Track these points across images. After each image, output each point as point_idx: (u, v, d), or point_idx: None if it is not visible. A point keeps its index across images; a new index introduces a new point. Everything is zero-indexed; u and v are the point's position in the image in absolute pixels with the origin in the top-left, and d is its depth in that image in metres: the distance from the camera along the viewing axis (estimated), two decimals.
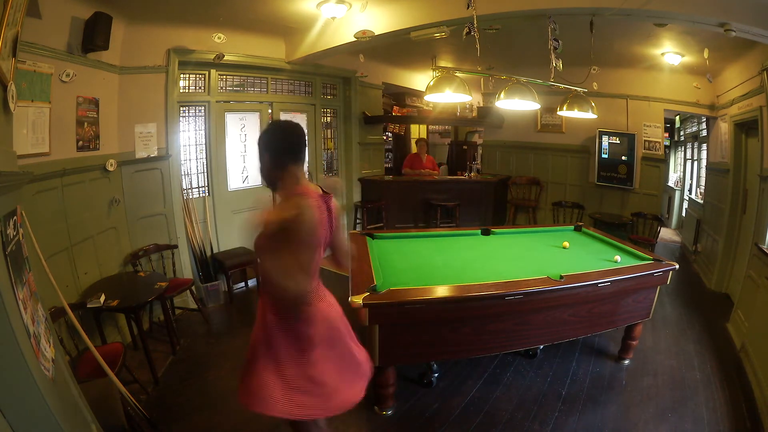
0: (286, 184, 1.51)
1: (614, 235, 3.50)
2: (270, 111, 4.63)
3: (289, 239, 1.38)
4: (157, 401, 2.51)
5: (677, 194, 7.31)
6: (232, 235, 4.35)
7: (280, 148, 1.50)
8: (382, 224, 5.70)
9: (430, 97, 3.11)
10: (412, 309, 2.14)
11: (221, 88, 4.20)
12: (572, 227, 3.82)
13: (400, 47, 4.56)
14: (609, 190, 5.69)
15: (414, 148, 7.02)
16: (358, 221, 5.55)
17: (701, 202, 5.43)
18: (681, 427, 2.29)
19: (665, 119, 5.45)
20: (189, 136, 4.06)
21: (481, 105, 6.79)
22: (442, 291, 2.24)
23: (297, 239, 1.39)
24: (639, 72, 5.11)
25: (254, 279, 4.31)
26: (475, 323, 2.34)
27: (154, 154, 3.51)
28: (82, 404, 1.54)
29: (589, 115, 3.63)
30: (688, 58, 4.14)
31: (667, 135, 6.82)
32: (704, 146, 5.67)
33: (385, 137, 7.08)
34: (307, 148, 1.59)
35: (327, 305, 1.58)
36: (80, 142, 2.83)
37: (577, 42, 3.36)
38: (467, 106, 6.56)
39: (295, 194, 1.47)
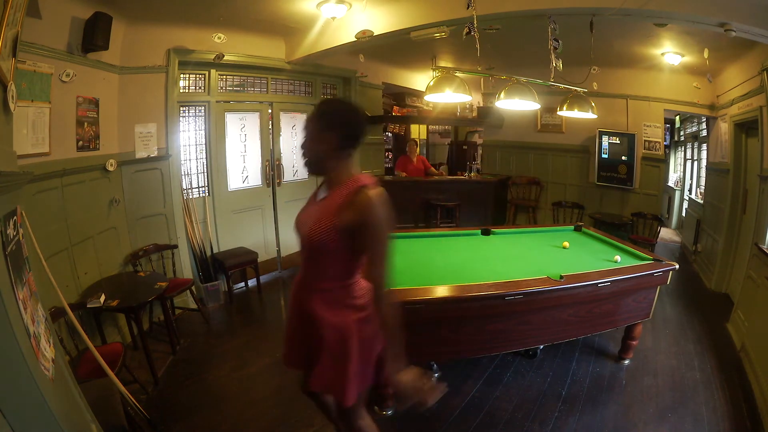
0: (342, 171, 1.43)
1: (614, 235, 3.50)
2: (270, 111, 4.63)
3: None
4: (157, 401, 2.50)
5: (677, 194, 7.31)
6: (232, 235, 4.35)
7: (354, 130, 1.41)
8: None
9: (430, 97, 3.11)
10: (411, 309, 2.13)
11: (221, 88, 4.19)
12: (572, 227, 3.81)
13: (400, 47, 4.55)
14: (609, 190, 5.69)
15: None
16: None
17: (701, 202, 5.43)
18: (681, 427, 2.29)
19: (665, 119, 5.45)
20: (189, 136, 4.06)
21: (481, 105, 6.79)
22: (442, 291, 2.24)
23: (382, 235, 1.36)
24: (639, 72, 5.11)
25: (254, 279, 4.30)
26: (475, 323, 2.34)
27: (154, 154, 3.51)
28: (82, 404, 1.54)
29: (589, 115, 3.63)
30: (688, 58, 4.14)
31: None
32: (704, 146, 5.67)
33: (385, 137, 7.08)
34: None
35: None
36: (80, 142, 2.83)
37: (577, 42, 3.36)
38: (467, 106, 6.56)
39: (355, 184, 1.39)
